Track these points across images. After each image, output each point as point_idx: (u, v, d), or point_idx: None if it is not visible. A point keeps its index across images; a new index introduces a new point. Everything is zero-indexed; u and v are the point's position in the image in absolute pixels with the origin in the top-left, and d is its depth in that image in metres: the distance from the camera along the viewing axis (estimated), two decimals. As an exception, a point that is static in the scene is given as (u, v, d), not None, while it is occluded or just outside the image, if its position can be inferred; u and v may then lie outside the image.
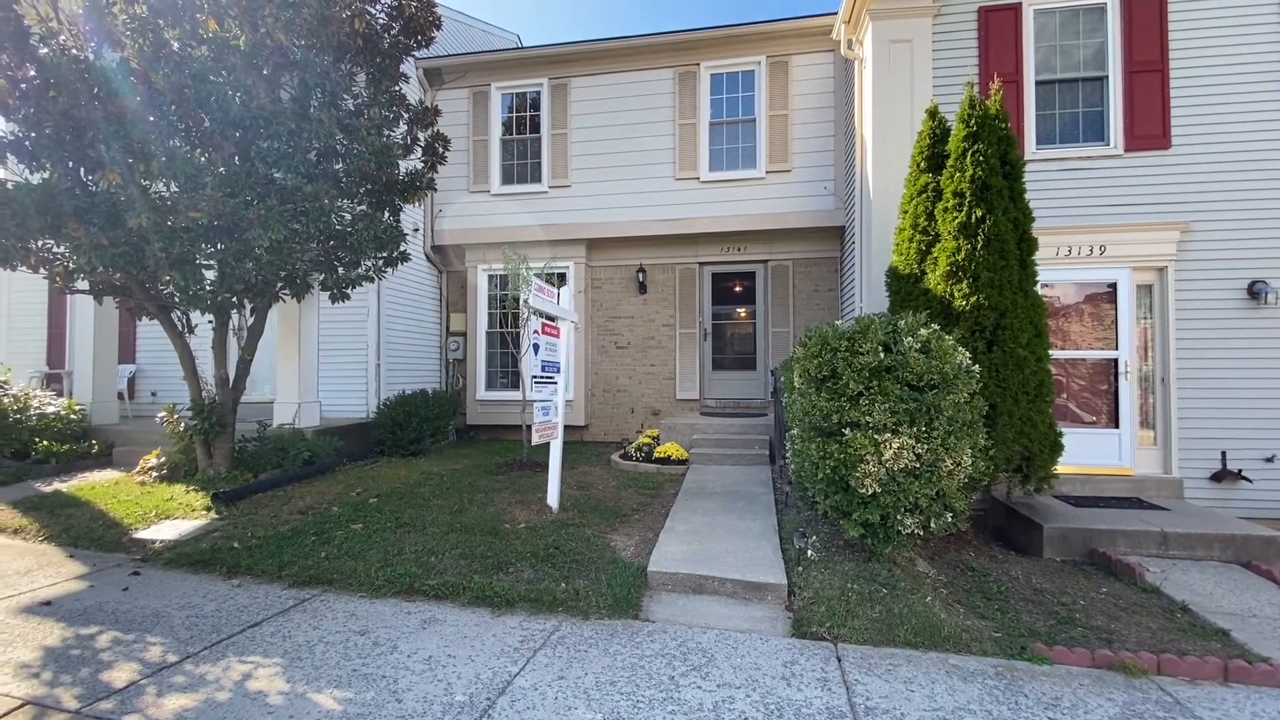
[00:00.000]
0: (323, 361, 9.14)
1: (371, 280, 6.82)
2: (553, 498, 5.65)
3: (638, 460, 8.04)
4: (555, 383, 5.66)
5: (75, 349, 8.83)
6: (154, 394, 10.11)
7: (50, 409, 7.92)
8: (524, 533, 5.01)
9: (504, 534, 4.96)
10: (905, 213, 5.96)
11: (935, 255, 5.50)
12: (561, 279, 10.15)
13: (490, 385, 10.40)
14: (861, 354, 4.29)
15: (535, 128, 10.29)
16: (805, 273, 9.66)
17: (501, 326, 10.45)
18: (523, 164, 10.37)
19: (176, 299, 5.99)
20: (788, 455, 5.58)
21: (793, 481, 5.33)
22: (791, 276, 9.67)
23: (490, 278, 10.38)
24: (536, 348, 5.14)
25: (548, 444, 5.71)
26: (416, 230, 10.02)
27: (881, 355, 4.24)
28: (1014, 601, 4.11)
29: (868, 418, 4.13)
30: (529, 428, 6.94)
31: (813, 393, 4.54)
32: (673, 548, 4.68)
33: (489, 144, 10.32)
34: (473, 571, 4.25)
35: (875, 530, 4.20)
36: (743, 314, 10.11)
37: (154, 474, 6.55)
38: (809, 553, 4.59)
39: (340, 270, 6.37)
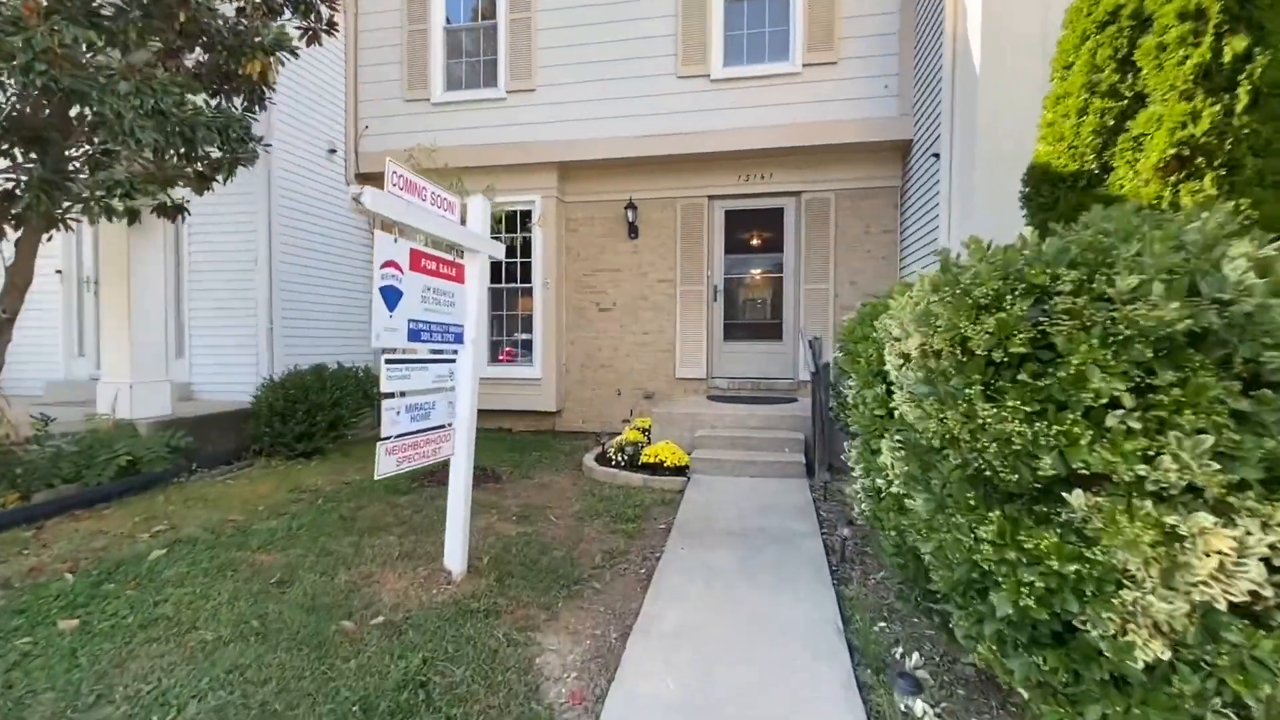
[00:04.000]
0: (198, 324, 6.80)
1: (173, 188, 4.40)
2: (453, 555, 3.32)
3: (619, 465, 5.69)
4: (452, 360, 3.26)
5: None
6: None
7: None
8: (377, 639, 2.69)
9: (332, 647, 2.63)
10: (1066, 70, 3.43)
11: (1136, 133, 3.02)
12: (525, 219, 7.68)
13: (436, 358, 8.02)
14: (1135, 304, 1.69)
15: (490, 11, 7.68)
16: (852, 208, 7.13)
17: (450, 282, 8.03)
18: (473, 62, 7.79)
19: None
20: (858, 492, 3.24)
21: (855, 520, 2.99)
22: (833, 213, 7.14)
23: (434, 217, 7.90)
24: (391, 295, 2.68)
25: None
26: (333, 152, 7.54)
27: (1182, 314, 1.61)
28: None
29: (1150, 468, 1.58)
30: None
31: (967, 391, 1.97)
32: (647, 688, 2.34)
33: (428, 35, 7.73)
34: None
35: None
36: (765, 266, 7.62)
37: None
38: (921, 712, 2.21)
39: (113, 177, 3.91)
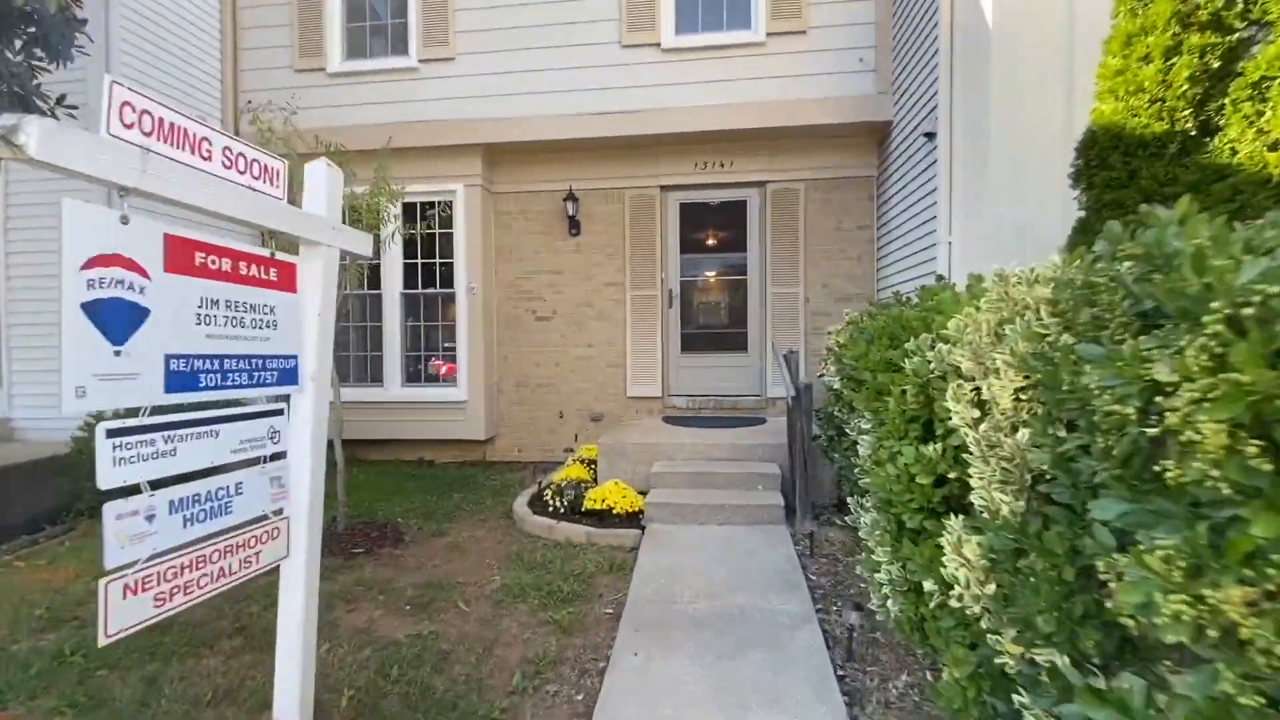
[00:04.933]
0: (19, 345, 5.36)
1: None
2: (288, 709, 2.17)
3: (556, 514, 4.62)
4: (277, 413, 2.11)
5: None
6: None
7: None
8: None
9: None
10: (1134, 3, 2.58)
11: (1255, 77, 2.20)
12: (445, 212, 6.51)
13: (343, 378, 6.72)
14: None
15: (398, -34, 6.49)
16: (823, 201, 6.27)
17: (360, 285, 6.76)
18: (379, 26, 6.57)
19: None
20: (882, 584, 2.30)
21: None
22: (803, 207, 6.26)
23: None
24: (115, 314, 1.54)
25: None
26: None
27: None
28: None
29: None
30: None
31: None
32: None
33: (325, -7, 6.47)
34: None
35: None
36: (727, 267, 6.68)
37: None
38: None
39: None
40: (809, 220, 6.27)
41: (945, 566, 1.62)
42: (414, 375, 6.62)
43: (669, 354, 6.57)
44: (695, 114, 5.92)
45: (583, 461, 5.53)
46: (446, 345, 6.54)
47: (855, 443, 2.80)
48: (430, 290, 6.53)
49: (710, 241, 6.66)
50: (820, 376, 4.42)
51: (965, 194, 4.07)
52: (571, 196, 6.39)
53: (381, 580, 3.61)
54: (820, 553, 3.98)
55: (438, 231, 6.50)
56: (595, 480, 5.15)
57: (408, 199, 6.24)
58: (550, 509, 4.70)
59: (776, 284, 6.31)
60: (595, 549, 4.08)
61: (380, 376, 6.54)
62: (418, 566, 3.85)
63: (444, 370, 6.64)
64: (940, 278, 3.75)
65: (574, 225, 6.51)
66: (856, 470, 2.74)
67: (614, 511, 4.48)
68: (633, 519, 4.46)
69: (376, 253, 4.00)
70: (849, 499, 3.35)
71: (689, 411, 6.44)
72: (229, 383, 1.89)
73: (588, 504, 4.57)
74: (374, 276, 6.64)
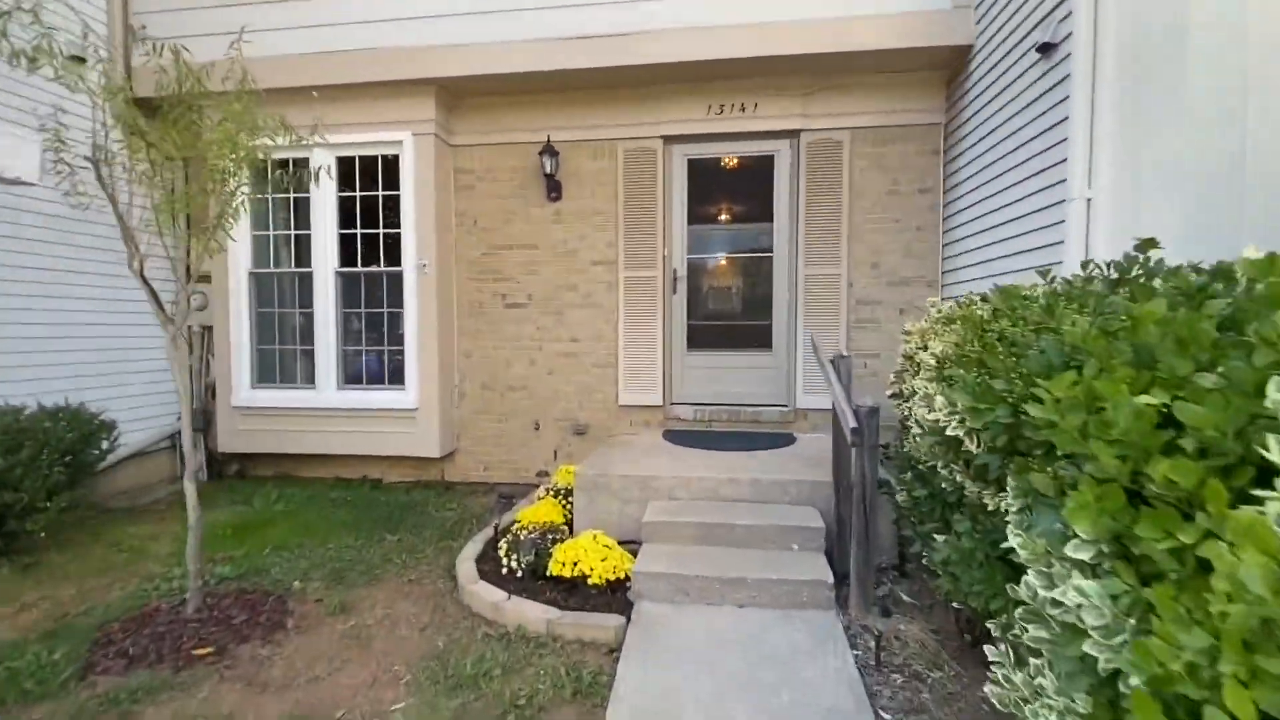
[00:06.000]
0: None
1: None
2: None
3: (512, 578, 3.33)
4: None
5: None
6: None
7: None
8: None
9: None
10: None
11: None
12: (386, 168, 5.13)
13: (265, 377, 5.43)
14: None
15: None
16: (874, 156, 4.85)
17: (283, 262, 5.43)
18: (303, -74, 5.16)
19: None
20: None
21: None
22: (848, 163, 4.85)
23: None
24: None
25: None
26: (79, 61, 4.79)
27: None
28: None
29: None
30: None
31: None
32: None
33: (234, -116, 5.05)
34: None
35: None
36: (747, 242, 5.29)
37: None
38: None
39: None
40: (855, 181, 4.85)
41: None
42: (354, 375, 5.31)
43: (672, 351, 5.21)
44: (706, 38, 4.49)
45: (557, 494, 4.22)
46: (393, 340, 5.21)
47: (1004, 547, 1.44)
48: (373, 269, 5.19)
49: (726, 209, 5.27)
50: (894, 396, 3.06)
51: (1124, 125, 2.66)
52: (550, 150, 5.00)
53: (219, 714, 2.32)
54: (892, 662, 2.65)
55: (381, 194, 5.14)
56: (570, 526, 3.84)
57: (343, 152, 4.91)
58: (504, 570, 3.39)
59: (811, 263, 4.91)
60: (558, 647, 2.78)
61: (312, 377, 5.23)
62: (286, 683, 2.55)
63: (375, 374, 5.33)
64: (1088, 265, 2.36)
65: (553, 187, 5.13)
66: (1028, 596, 1.39)
67: (589, 581, 3.16)
68: (616, 592, 3.15)
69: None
70: (944, 580, 2.02)
71: (697, 424, 5.09)
72: None
73: (554, 567, 3.25)
74: (302, 251, 5.30)
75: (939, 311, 2.80)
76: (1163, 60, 2.48)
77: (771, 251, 5.10)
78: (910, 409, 2.71)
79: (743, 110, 4.91)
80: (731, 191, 5.25)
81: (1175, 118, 2.38)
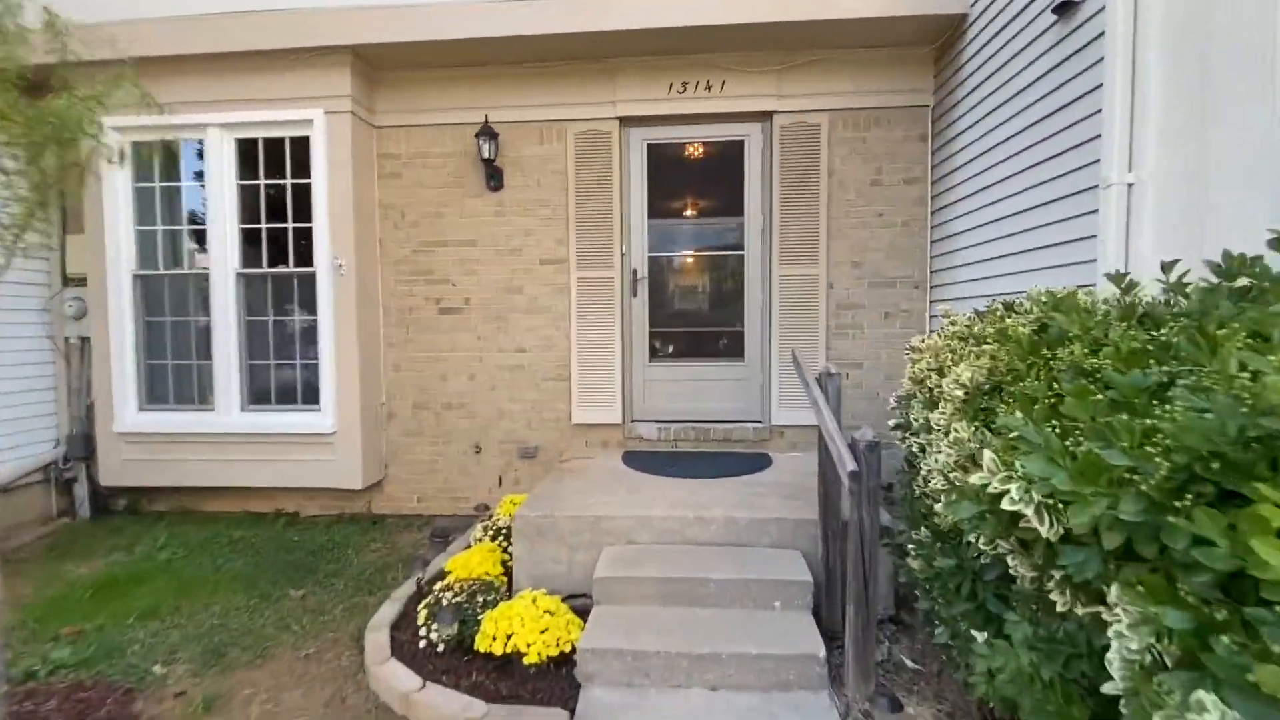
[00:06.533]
0: None
1: None
2: None
3: (430, 653, 2.68)
4: None
5: None
6: None
7: None
8: None
9: None
10: None
11: None
12: (296, 151, 4.39)
13: (156, 398, 4.63)
14: None
15: None
16: (855, 141, 4.33)
17: (176, 264, 4.63)
18: None
19: None
20: None
21: None
22: (826, 148, 4.31)
23: (136, 148, 4.44)
24: None
25: None
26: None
27: None
28: None
29: None
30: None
31: None
32: None
33: None
34: None
35: None
36: (715, 238, 4.72)
37: None
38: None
39: None
40: (835, 169, 4.32)
41: None
42: (261, 394, 4.54)
43: (632, 362, 4.61)
44: (668, 4, 3.89)
45: (497, 534, 3.58)
46: (308, 350, 4.47)
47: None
48: (281, 269, 4.44)
49: (691, 201, 4.68)
50: (898, 427, 2.51)
51: (1181, 95, 2.16)
52: (488, 132, 4.33)
53: None
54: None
55: (290, 182, 4.39)
56: (510, 577, 3.20)
57: (244, 133, 4.17)
58: (423, 643, 2.74)
59: (786, 262, 4.37)
60: (481, 762, 2.15)
61: (211, 397, 4.46)
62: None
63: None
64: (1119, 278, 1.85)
65: (493, 175, 4.46)
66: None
67: (525, 660, 2.54)
68: (559, 669, 2.54)
69: None
70: (980, 684, 1.49)
71: (661, 443, 4.51)
72: None
73: (482, 641, 2.62)
74: (200, 244, 4.52)
75: (953, 324, 2.26)
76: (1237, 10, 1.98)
77: (743, 249, 4.54)
78: (922, 446, 2.17)
79: (708, 89, 4.33)
80: (697, 181, 4.67)
81: (1262, 88, 1.88)
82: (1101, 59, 2.41)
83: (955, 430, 1.77)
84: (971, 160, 3.73)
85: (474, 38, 4.03)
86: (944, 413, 1.89)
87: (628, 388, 4.58)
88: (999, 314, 2.01)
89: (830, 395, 2.84)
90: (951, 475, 1.76)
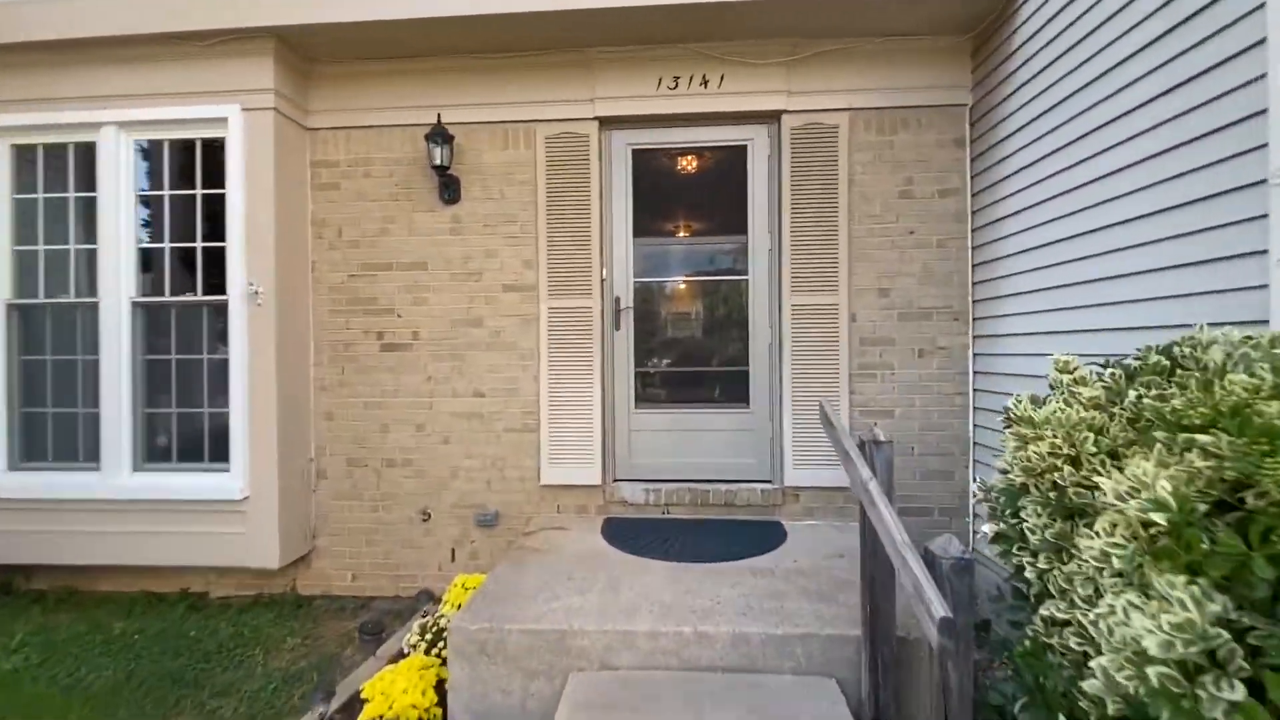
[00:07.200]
0: None
1: None
2: None
3: None
4: None
5: None
6: None
7: None
8: None
9: None
10: None
11: None
12: (209, 156, 3.64)
13: (33, 454, 3.78)
14: None
15: None
16: (881, 146, 3.64)
17: (62, 291, 3.82)
18: None
19: None
20: None
21: None
22: (846, 155, 3.61)
23: (19, 151, 3.68)
24: None
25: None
26: None
27: None
28: None
29: None
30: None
31: None
32: None
33: None
34: None
35: None
36: (713, 261, 3.98)
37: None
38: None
39: None
40: (856, 178, 3.62)
41: None
42: (160, 451, 3.71)
43: (614, 409, 3.83)
44: (659, -22, 3.22)
45: (435, 640, 2.75)
46: (218, 396, 3.65)
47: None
48: (187, 298, 3.65)
49: (685, 217, 3.96)
50: (998, 538, 1.72)
51: None
52: (442, 134, 3.61)
53: None
54: None
55: (200, 193, 3.63)
56: (444, 713, 2.37)
57: (144, 133, 3.45)
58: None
59: (799, 290, 3.63)
60: None
61: (96, 454, 3.62)
62: None
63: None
64: None
65: (448, 185, 3.73)
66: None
67: None
68: None
69: None
70: None
71: (651, 508, 3.70)
72: None
73: (386, 841, 1.77)
74: (86, 272, 3.73)
75: (1079, 381, 1.51)
76: None
77: (747, 274, 3.80)
78: (1043, 572, 1.39)
79: (704, 85, 3.64)
80: (693, 194, 3.95)
81: None
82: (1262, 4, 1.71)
83: (1158, 584, 1.00)
84: (1027, 167, 3.03)
85: (424, 17, 3.32)
86: (1116, 543, 1.12)
87: (609, 440, 3.79)
88: (1199, 373, 1.25)
89: (879, 470, 2.07)
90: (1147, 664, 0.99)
